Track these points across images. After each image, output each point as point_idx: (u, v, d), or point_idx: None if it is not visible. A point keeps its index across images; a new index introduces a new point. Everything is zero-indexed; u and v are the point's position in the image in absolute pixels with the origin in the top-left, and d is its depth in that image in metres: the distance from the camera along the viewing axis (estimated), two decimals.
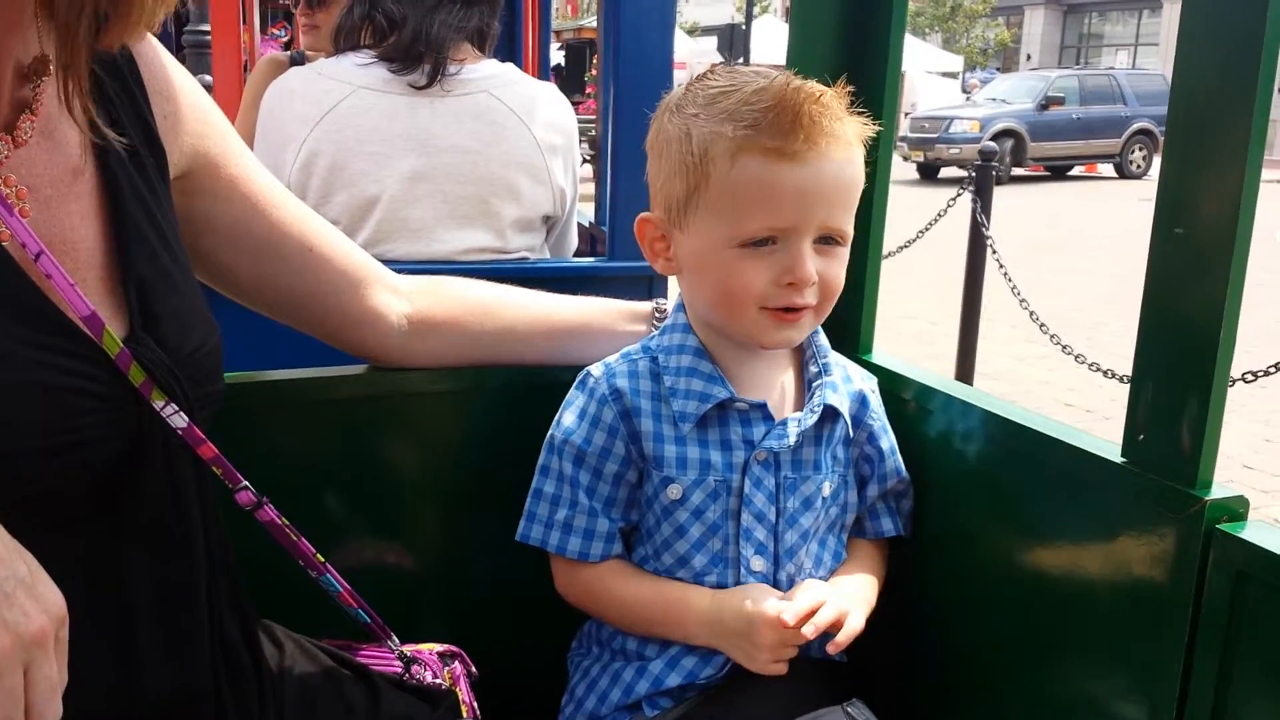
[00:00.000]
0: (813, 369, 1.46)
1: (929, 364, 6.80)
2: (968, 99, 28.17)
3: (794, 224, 1.29)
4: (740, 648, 1.35)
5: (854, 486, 1.50)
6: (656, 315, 1.58)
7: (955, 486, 1.48)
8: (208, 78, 4.29)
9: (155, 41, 1.21)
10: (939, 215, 6.17)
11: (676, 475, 1.39)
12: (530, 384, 1.58)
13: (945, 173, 22.43)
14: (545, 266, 2.37)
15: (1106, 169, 24.84)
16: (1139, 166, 24.36)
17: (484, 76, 2.26)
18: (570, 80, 21.26)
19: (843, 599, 1.35)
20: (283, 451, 1.51)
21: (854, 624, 1.34)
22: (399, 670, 1.37)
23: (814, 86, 1.31)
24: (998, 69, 41.19)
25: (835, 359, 1.49)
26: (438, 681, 1.38)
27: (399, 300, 1.51)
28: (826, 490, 1.44)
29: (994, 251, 5.63)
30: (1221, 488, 1.13)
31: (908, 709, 1.55)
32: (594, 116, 3.79)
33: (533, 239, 2.34)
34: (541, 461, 1.45)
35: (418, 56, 2.20)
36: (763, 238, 1.30)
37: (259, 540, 1.22)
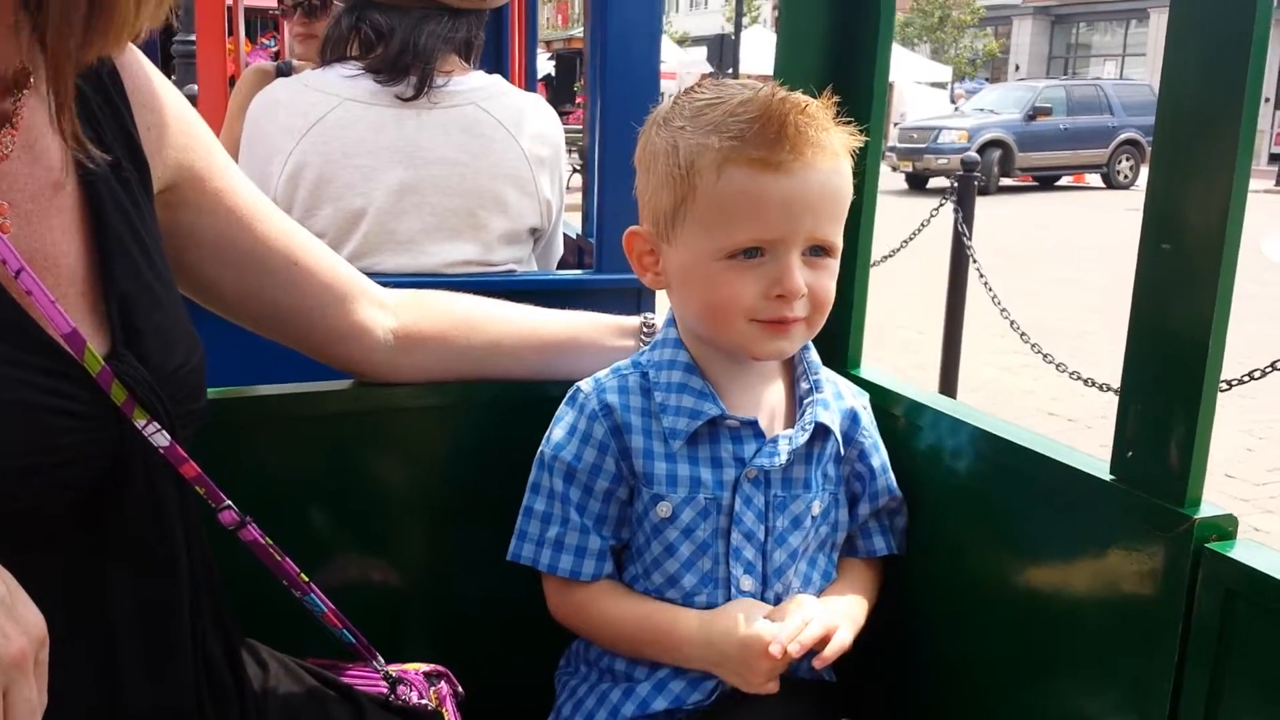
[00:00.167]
0: (804, 385, 1.45)
1: (916, 373, 6.94)
2: (955, 109, 28.25)
3: (781, 235, 1.29)
4: (732, 670, 1.34)
5: (845, 505, 1.49)
6: (644, 330, 1.57)
7: (945, 503, 1.47)
8: (194, 88, 4.28)
9: (139, 53, 1.20)
10: (922, 225, 6.23)
11: (666, 493, 1.38)
12: (517, 399, 1.57)
13: (934, 183, 22.47)
14: (533, 279, 2.36)
15: (1094, 179, 24.97)
16: (1126, 176, 24.49)
17: (471, 88, 2.25)
18: (560, 90, 21.25)
19: (830, 615, 1.35)
20: (268, 468, 1.50)
21: (841, 640, 1.33)
22: (384, 691, 1.36)
23: (800, 97, 1.30)
24: (986, 79, 41.33)
25: (827, 375, 1.48)
26: (424, 702, 1.37)
27: (385, 315, 1.50)
28: (816, 509, 1.44)
29: (975, 261, 5.65)
30: (1210, 506, 1.12)
31: None
32: (583, 127, 3.80)
33: (520, 251, 2.34)
34: (532, 479, 1.44)
35: (405, 68, 2.19)
36: (750, 249, 1.29)
37: (243, 559, 1.21)
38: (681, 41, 40.73)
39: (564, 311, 1.61)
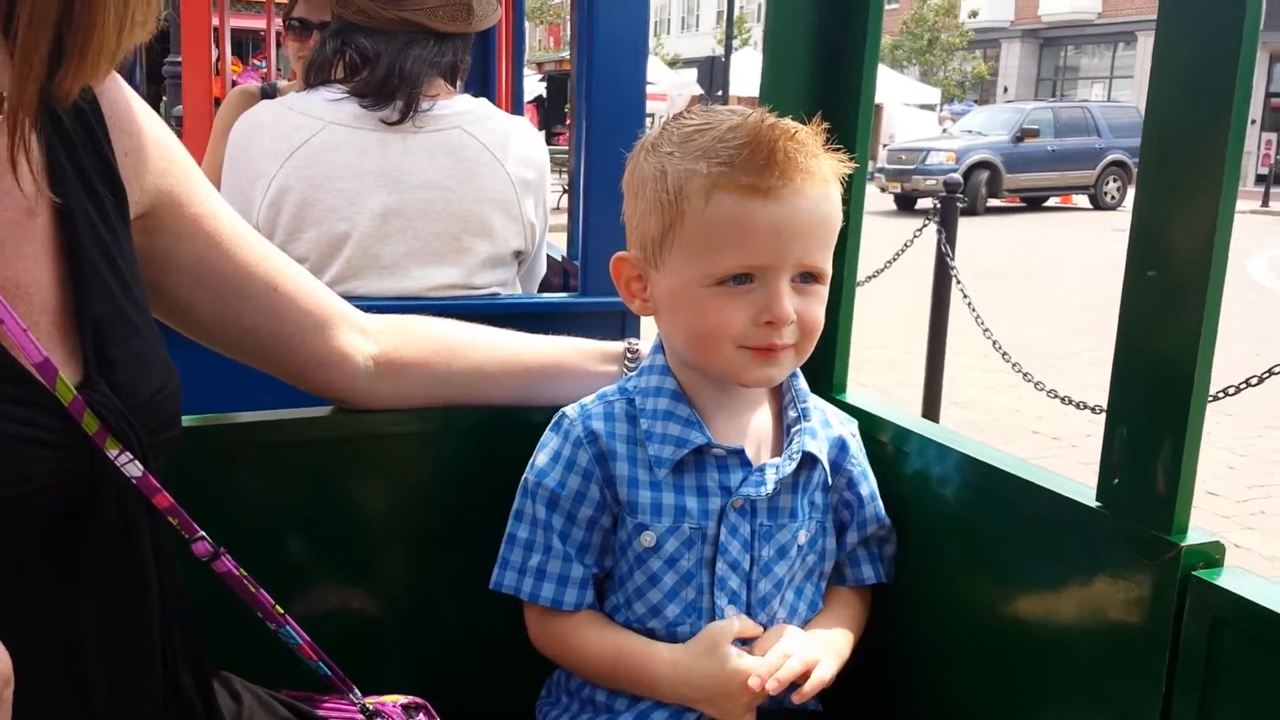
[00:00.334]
0: (791, 414, 1.44)
1: (901, 392, 6.95)
2: (943, 131, 28.39)
3: (770, 262, 1.28)
4: (711, 705, 1.33)
5: (832, 533, 1.48)
6: (629, 356, 1.56)
7: (932, 530, 1.46)
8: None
9: (118, 78, 1.19)
10: (905, 246, 6.31)
11: (651, 522, 1.36)
12: (500, 425, 1.55)
13: (923, 203, 22.57)
14: (517, 302, 2.35)
15: (1081, 200, 25.13)
16: (1113, 198, 24.67)
17: (457, 112, 2.24)
18: (551, 111, 21.36)
19: (812, 648, 1.33)
20: (245, 496, 1.48)
21: (821, 674, 1.32)
22: None
23: (789, 124, 1.29)
24: (975, 101, 41.51)
25: (815, 403, 1.47)
26: None
27: (366, 340, 1.48)
28: (802, 538, 1.42)
29: (958, 282, 5.70)
30: (1198, 532, 1.11)
31: None
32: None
33: (504, 274, 2.32)
34: (515, 506, 1.42)
35: (391, 92, 2.18)
36: (739, 275, 1.28)
37: (218, 589, 1.19)
38: (673, 63, 40.89)
39: (547, 337, 1.60)
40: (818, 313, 1.33)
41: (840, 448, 1.47)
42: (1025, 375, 5.16)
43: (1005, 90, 44.54)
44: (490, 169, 2.23)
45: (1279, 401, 7.20)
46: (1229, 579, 1.08)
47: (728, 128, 1.29)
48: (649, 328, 2.20)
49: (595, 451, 1.37)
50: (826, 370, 1.65)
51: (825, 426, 1.46)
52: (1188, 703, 1.10)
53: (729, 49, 28.08)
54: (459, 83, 2.35)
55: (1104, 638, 1.19)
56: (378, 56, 2.18)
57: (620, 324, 2.35)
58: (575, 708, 1.44)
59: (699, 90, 29.57)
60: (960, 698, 1.42)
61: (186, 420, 1.21)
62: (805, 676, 1.30)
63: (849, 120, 1.62)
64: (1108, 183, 24.69)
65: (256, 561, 1.21)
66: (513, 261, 2.34)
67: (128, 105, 1.21)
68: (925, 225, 6.14)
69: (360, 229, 2.16)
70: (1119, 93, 39.97)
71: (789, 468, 1.39)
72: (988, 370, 7.65)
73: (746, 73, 27.61)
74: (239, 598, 1.21)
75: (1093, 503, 1.19)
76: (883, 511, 1.49)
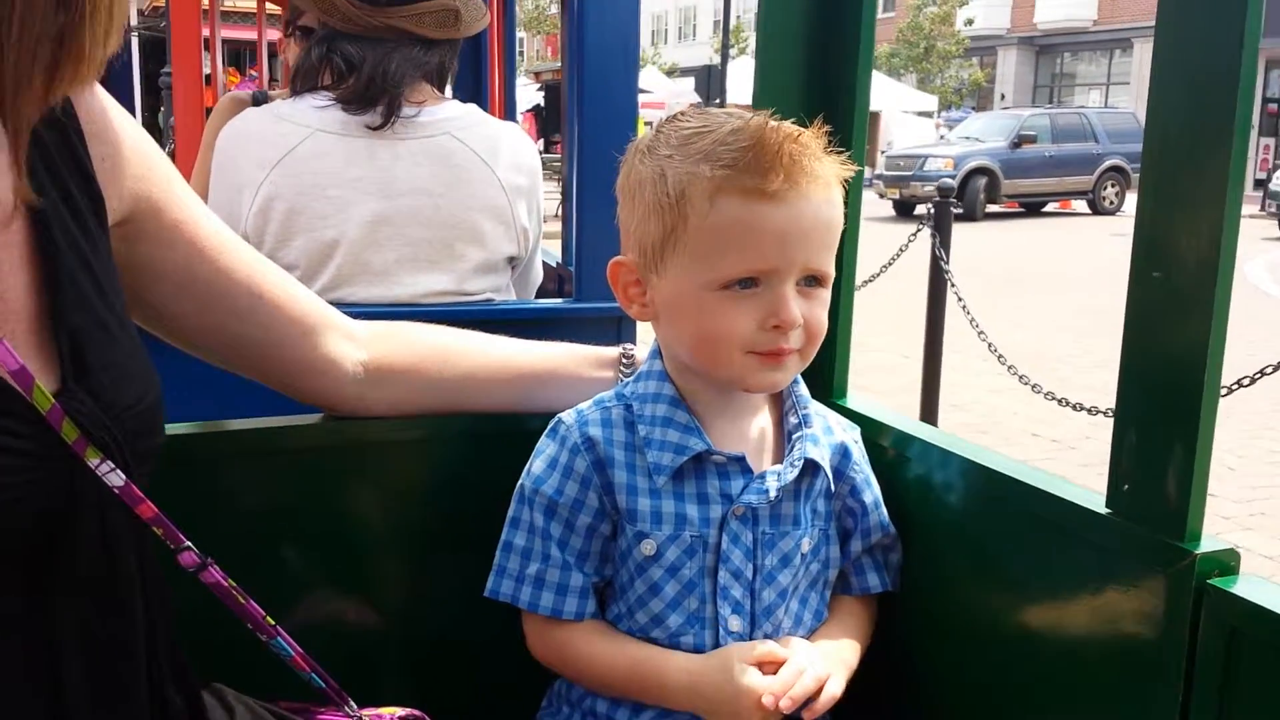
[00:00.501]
0: (792, 420, 1.41)
1: (900, 396, 6.97)
2: (941, 138, 28.48)
3: (776, 265, 1.25)
4: (722, 717, 1.29)
5: (836, 541, 1.44)
6: (624, 361, 1.53)
7: (937, 538, 1.43)
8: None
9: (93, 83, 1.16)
10: (900, 251, 6.37)
11: (650, 530, 1.33)
12: (493, 432, 1.53)
13: (921, 209, 22.64)
14: (511, 308, 2.32)
15: (1080, 205, 25.28)
16: (1112, 202, 24.83)
17: (446, 118, 2.22)
18: (549, 120, 21.39)
19: (822, 664, 1.30)
20: (232, 505, 1.44)
21: (832, 690, 1.28)
22: None
23: (792, 126, 1.27)
24: (973, 108, 41.56)
25: (816, 409, 1.44)
26: None
27: (355, 347, 1.45)
28: (806, 546, 1.39)
29: (952, 285, 5.75)
30: (1212, 540, 1.08)
31: None
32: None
33: (497, 280, 2.30)
34: (511, 513, 1.39)
35: (374, 97, 2.15)
36: (744, 279, 1.25)
37: (207, 601, 1.16)
38: (670, 72, 41.00)
39: (540, 343, 1.57)
40: (822, 316, 1.30)
41: (843, 454, 1.44)
42: (1021, 378, 5.19)
43: (1002, 97, 44.64)
44: (480, 175, 2.20)
45: (1276, 402, 7.22)
46: (1245, 587, 1.05)
47: (729, 130, 1.26)
48: (644, 333, 2.18)
49: (593, 458, 1.34)
50: (826, 375, 1.62)
51: (827, 433, 1.43)
52: (1205, 714, 1.06)
53: (725, 58, 28.15)
54: (448, 88, 2.32)
55: (1116, 649, 1.15)
56: (363, 61, 2.16)
57: (616, 329, 2.32)
58: (576, 718, 1.41)
59: (696, 99, 29.68)
60: (969, 710, 1.39)
61: (171, 429, 1.18)
62: (818, 693, 1.26)
63: (844, 124, 1.59)
64: (1106, 188, 24.84)
65: (246, 572, 1.19)
66: (506, 267, 2.31)
67: (104, 111, 1.18)
68: (920, 230, 6.18)
69: (350, 236, 2.13)
70: (1116, 99, 40.07)
71: (790, 475, 1.36)
72: (985, 373, 7.70)
73: (743, 81, 27.63)
74: (229, 609, 1.18)
75: (1103, 509, 1.16)
76: (887, 519, 1.46)
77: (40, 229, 1.04)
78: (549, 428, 1.40)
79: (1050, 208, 25.54)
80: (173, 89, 3.70)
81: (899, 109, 34.37)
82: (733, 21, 36.06)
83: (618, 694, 1.37)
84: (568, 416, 1.39)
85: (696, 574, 1.33)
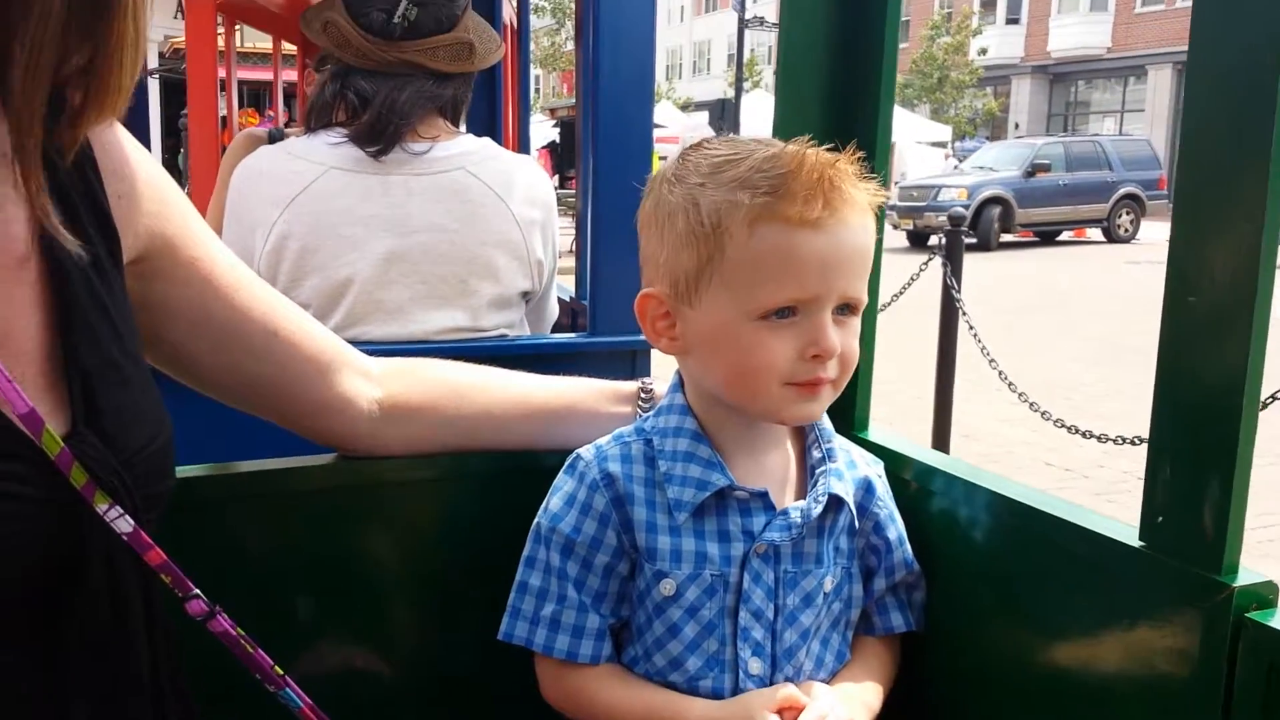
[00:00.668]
0: (815, 454, 1.37)
1: (913, 425, 6.94)
2: (955, 168, 28.51)
3: (817, 294, 1.22)
4: None
5: (859, 580, 1.41)
6: (642, 396, 1.51)
7: (963, 574, 1.39)
8: None
9: None
10: (911, 280, 6.41)
11: (670, 569, 1.29)
12: (511, 469, 1.50)
13: (936, 240, 22.65)
14: (525, 344, 2.30)
15: (1095, 233, 25.23)
16: (1127, 230, 24.79)
17: (460, 153, 2.21)
18: (565, 155, 21.48)
19: (844, 708, 1.26)
20: (242, 550, 1.42)
21: None
22: None
23: (829, 153, 1.24)
24: (987, 137, 41.59)
25: (840, 443, 1.41)
26: None
27: (370, 385, 1.43)
28: (828, 585, 1.35)
29: (964, 313, 5.75)
30: (1249, 573, 1.05)
31: None
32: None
33: (511, 315, 2.28)
34: (527, 552, 1.36)
35: (382, 130, 2.14)
36: (783, 309, 1.23)
37: (214, 650, 1.13)
38: (685, 106, 41.22)
39: (557, 378, 1.54)
40: (855, 345, 1.27)
41: (866, 489, 1.41)
42: (1032, 405, 5.17)
43: (1016, 126, 44.67)
44: (495, 209, 2.19)
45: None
46: None
47: (764, 157, 1.24)
48: (659, 368, 2.17)
49: (612, 495, 1.31)
50: (848, 408, 1.59)
51: (850, 467, 1.40)
52: None
53: (739, 91, 28.29)
54: (461, 122, 2.32)
55: (1152, 686, 1.12)
56: (375, 95, 2.15)
57: (631, 363, 2.31)
58: None
59: (710, 132, 29.73)
60: None
61: (181, 471, 1.16)
62: None
63: (867, 156, 1.56)
64: (1121, 215, 24.80)
65: (255, 619, 1.16)
66: (520, 302, 2.30)
67: (120, 146, 1.17)
68: (931, 259, 6.17)
69: (363, 274, 2.12)
70: (1130, 126, 40.08)
71: (815, 510, 1.32)
72: (999, 402, 7.71)
73: (757, 114, 27.76)
74: (237, 659, 1.16)
75: (1136, 542, 1.13)
76: (911, 556, 1.42)
77: (55, 267, 1.03)
78: (567, 464, 1.37)
79: (1065, 236, 25.49)
80: (188, 129, 3.73)
81: (913, 139, 34.41)
82: (746, 55, 36.23)
83: None
84: (586, 452, 1.36)
85: (716, 615, 1.30)
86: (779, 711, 1.24)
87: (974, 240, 22.22)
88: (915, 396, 7.15)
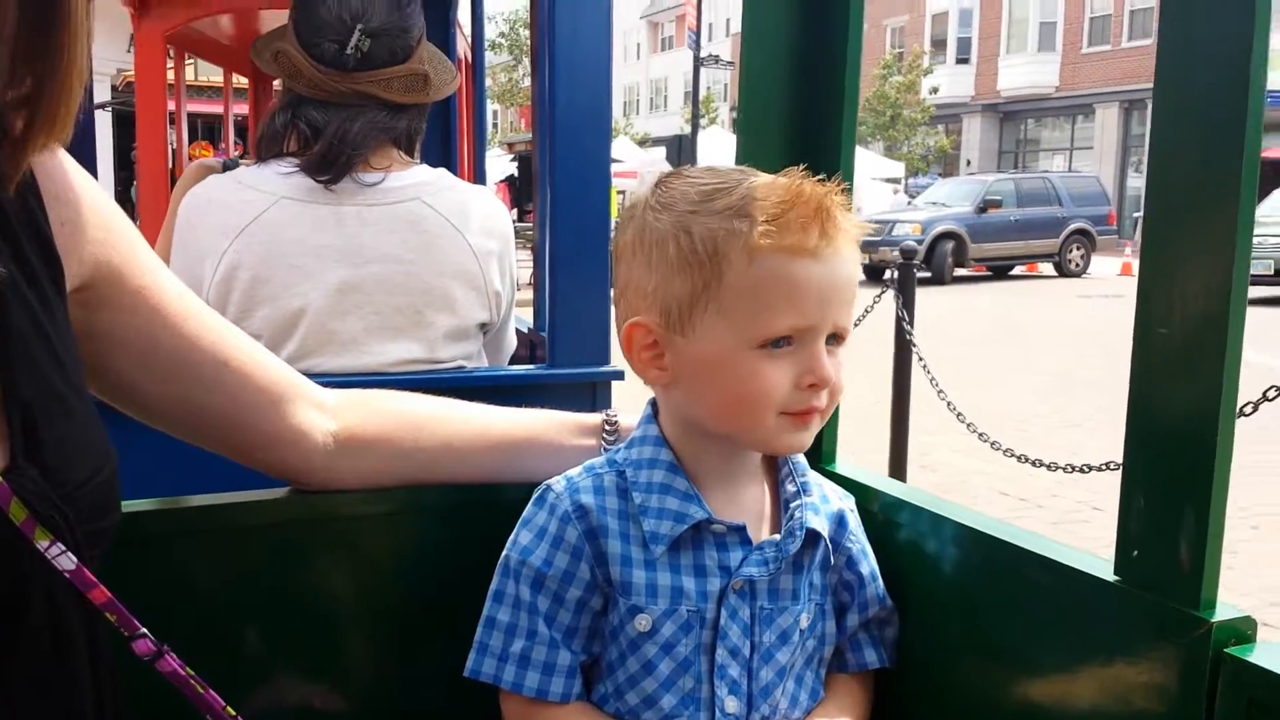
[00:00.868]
0: (790, 488, 1.35)
1: (870, 456, 6.99)
2: (909, 203, 28.84)
3: (814, 323, 1.21)
4: None
5: (833, 616, 1.38)
6: (607, 428, 1.47)
7: (933, 608, 1.37)
8: None
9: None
10: (865, 312, 6.44)
11: (645, 604, 1.26)
12: (470, 503, 1.46)
13: (890, 274, 22.85)
14: (483, 375, 2.27)
15: (1046, 268, 25.64)
16: (1077, 265, 25.26)
17: (415, 183, 2.18)
18: (523, 190, 21.52)
19: None
20: (191, 587, 1.37)
21: None
22: None
23: (822, 184, 1.23)
24: (939, 174, 42.05)
25: (813, 477, 1.39)
26: None
27: (324, 417, 1.39)
28: (804, 622, 1.33)
29: (914, 345, 5.82)
30: (1227, 607, 1.03)
31: None
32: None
33: (469, 347, 2.24)
34: (494, 586, 1.31)
35: (333, 160, 2.10)
36: (782, 338, 1.21)
37: (165, 689, 1.08)
38: (642, 142, 41.37)
39: (519, 410, 1.51)
40: (841, 376, 1.26)
41: (839, 523, 1.38)
42: (981, 436, 5.23)
43: (968, 163, 45.18)
44: (451, 240, 2.16)
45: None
46: (1263, 655, 0.99)
47: (760, 185, 1.23)
48: (620, 400, 2.14)
49: (585, 527, 1.28)
50: (816, 440, 1.56)
51: (824, 501, 1.38)
52: None
53: (696, 127, 28.51)
54: (416, 153, 2.29)
55: None
56: (327, 126, 2.11)
57: (591, 395, 2.28)
58: None
59: (668, 167, 29.86)
60: None
61: (127, 506, 1.12)
62: None
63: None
64: (1071, 250, 25.27)
65: (205, 658, 1.11)
66: (478, 334, 2.26)
67: (64, 172, 1.13)
68: (884, 292, 6.22)
69: (316, 304, 2.08)
70: (1079, 163, 40.66)
71: (793, 546, 1.30)
72: (955, 433, 7.76)
73: (713, 150, 27.95)
74: (186, 699, 1.11)
75: (1110, 577, 1.11)
76: (884, 591, 1.40)
77: None
78: (536, 496, 1.33)
79: (1017, 271, 25.87)
80: (137, 159, 3.69)
81: (868, 176, 34.76)
82: (702, 92, 36.54)
83: None
84: (557, 484, 1.32)
85: (692, 651, 1.27)
86: None
87: (928, 274, 22.44)
88: (869, 428, 7.18)
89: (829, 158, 1.57)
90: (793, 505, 1.33)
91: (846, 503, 1.42)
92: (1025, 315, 17.49)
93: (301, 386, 1.39)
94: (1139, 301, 1.07)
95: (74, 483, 0.99)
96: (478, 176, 4.46)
